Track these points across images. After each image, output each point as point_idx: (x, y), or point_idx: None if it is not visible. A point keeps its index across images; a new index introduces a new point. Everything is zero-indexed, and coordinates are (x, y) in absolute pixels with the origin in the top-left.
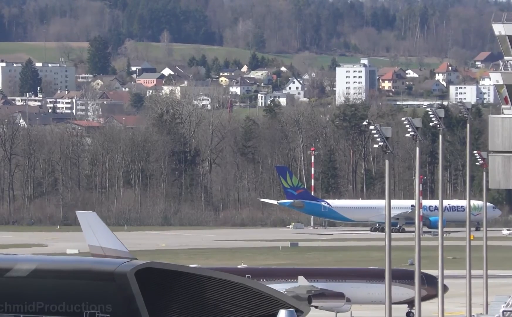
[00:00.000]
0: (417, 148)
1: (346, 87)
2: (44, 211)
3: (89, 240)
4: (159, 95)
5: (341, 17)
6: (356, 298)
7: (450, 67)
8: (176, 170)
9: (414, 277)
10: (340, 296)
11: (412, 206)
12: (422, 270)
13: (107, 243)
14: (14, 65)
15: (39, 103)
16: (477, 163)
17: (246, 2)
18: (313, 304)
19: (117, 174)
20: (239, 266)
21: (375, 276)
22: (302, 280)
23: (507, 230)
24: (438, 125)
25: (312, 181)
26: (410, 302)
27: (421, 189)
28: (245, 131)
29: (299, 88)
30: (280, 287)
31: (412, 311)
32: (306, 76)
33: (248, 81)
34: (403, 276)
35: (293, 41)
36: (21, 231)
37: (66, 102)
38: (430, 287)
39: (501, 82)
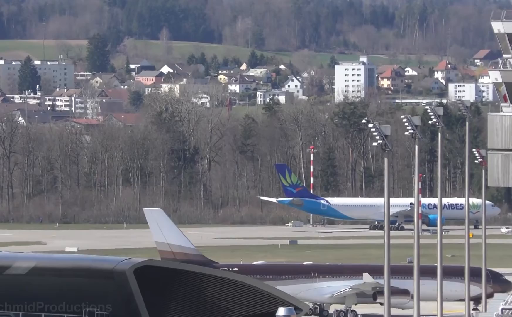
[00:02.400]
0: (416, 146)
1: (345, 85)
2: (43, 209)
3: (156, 237)
4: (158, 93)
5: (340, 15)
6: (423, 295)
7: (449, 65)
8: (175, 168)
9: (479, 274)
10: (405, 292)
11: (411, 203)
12: (488, 268)
13: (174, 240)
14: (13, 63)
15: (38, 101)
16: (476, 161)
17: (245, 0)
18: (378, 300)
19: (116, 172)
20: (305, 263)
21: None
22: (367, 277)
23: (506, 228)
24: (437, 123)
25: (311, 178)
26: (476, 299)
27: (420, 187)
28: (244, 129)
29: (298, 86)
30: (345, 284)
31: (478, 308)
32: (305, 74)
33: (247, 79)
34: (471, 273)
35: (292, 39)
36: (20, 228)
37: (65, 100)
38: (496, 284)
39: (500, 80)
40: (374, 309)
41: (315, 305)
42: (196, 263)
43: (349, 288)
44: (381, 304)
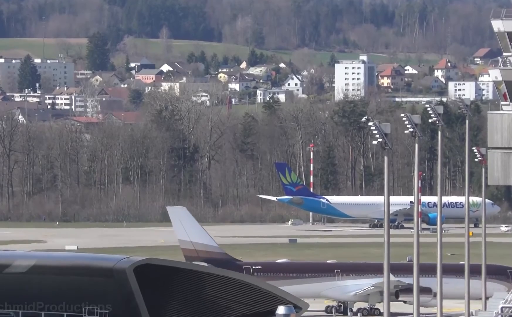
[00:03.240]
0: (416, 145)
1: (345, 84)
2: (43, 207)
3: (179, 235)
4: (158, 92)
5: (340, 14)
6: (446, 293)
7: (449, 64)
8: (175, 166)
9: (504, 273)
10: (427, 291)
11: (411, 202)
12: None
13: (197, 238)
14: (13, 61)
15: (38, 100)
16: (476, 159)
17: None
18: (400, 299)
19: (116, 170)
20: (328, 261)
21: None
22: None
23: (506, 226)
24: (437, 122)
25: (311, 177)
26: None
27: (420, 185)
28: (244, 127)
29: (298, 85)
30: (369, 282)
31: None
32: (305, 73)
33: (247, 77)
34: (496, 272)
35: (292, 37)
36: (20, 227)
37: (65, 99)
38: None
39: (500, 78)
40: (395, 308)
41: (339, 303)
42: (219, 261)
43: (371, 286)
44: (405, 302)
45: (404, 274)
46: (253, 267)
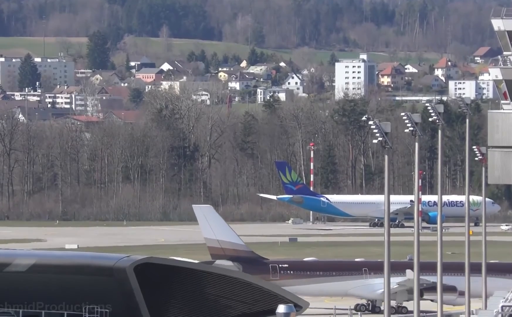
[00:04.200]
0: (416, 144)
1: (345, 83)
2: (43, 206)
3: (205, 233)
4: (158, 91)
5: (340, 13)
6: (474, 291)
7: (449, 63)
8: (175, 165)
9: None
10: (452, 289)
11: (411, 201)
12: None
13: (223, 236)
14: (13, 60)
15: (38, 99)
16: (476, 158)
17: None
18: (425, 297)
19: (116, 169)
20: (356, 260)
21: (494, 269)
22: (410, 274)
23: (506, 225)
24: (437, 121)
25: (311, 176)
26: None
27: (420, 184)
28: (244, 126)
29: (298, 84)
30: (397, 280)
31: None
32: (305, 72)
33: (247, 76)
34: None
35: (292, 36)
36: (20, 226)
37: (65, 98)
38: None
39: (500, 77)
40: (423, 306)
41: (368, 302)
42: (245, 259)
43: (396, 285)
44: (432, 301)
45: (430, 272)
46: (280, 265)
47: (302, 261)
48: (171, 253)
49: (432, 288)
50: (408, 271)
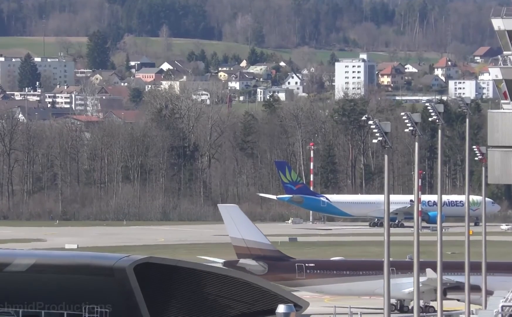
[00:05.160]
0: (416, 143)
1: (345, 82)
2: (43, 206)
3: (231, 232)
4: (158, 90)
5: (340, 12)
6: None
7: (449, 62)
8: (175, 165)
9: None
10: (476, 289)
11: (411, 201)
12: None
13: (249, 235)
14: (13, 60)
15: (38, 98)
16: (476, 158)
17: None
18: (448, 296)
19: (116, 169)
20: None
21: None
22: (430, 273)
23: (506, 225)
24: (437, 120)
25: (311, 176)
26: None
27: (420, 184)
28: (244, 126)
29: (298, 83)
30: (421, 279)
31: None
32: (305, 71)
33: (247, 76)
34: None
35: (292, 36)
36: (20, 226)
37: (65, 97)
38: None
39: (500, 77)
40: (448, 305)
41: (397, 301)
42: (272, 258)
43: (420, 284)
44: (459, 300)
45: (455, 272)
46: (306, 265)
47: (328, 261)
48: (171, 253)
49: (455, 287)
50: (428, 270)
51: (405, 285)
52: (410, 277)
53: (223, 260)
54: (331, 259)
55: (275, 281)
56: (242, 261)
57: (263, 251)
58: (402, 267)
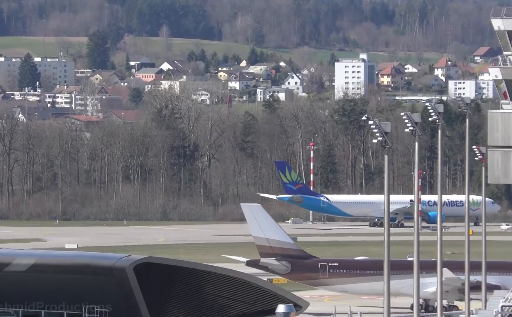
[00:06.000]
0: (416, 143)
1: (345, 82)
2: (43, 206)
3: (254, 232)
4: (158, 90)
5: (340, 12)
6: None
7: (449, 62)
8: (175, 165)
9: None
10: (497, 288)
11: (411, 200)
12: None
13: (272, 234)
14: (13, 59)
15: (38, 98)
16: (476, 158)
17: None
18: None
19: (116, 169)
20: (409, 259)
21: None
22: (447, 273)
23: (506, 224)
24: (437, 120)
25: (311, 176)
26: None
27: (420, 184)
28: (244, 126)
29: (298, 83)
30: (430, 280)
31: None
32: (305, 71)
33: (247, 76)
34: None
35: (292, 36)
36: (20, 226)
37: (65, 97)
38: None
39: (500, 77)
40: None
41: (423, 301)
42: (295, 257)
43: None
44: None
45: (473, 272)
46: (330, 264)
47: (352, 260)
48: (171, 253)
49: (475, 287)
50: (445, 270)
51: (430, 285)
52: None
53: (246, 259)
54: (355, 258)
55: (298, 281)
56: (263, 260)
57: (286, 250)
58: (427, 267)
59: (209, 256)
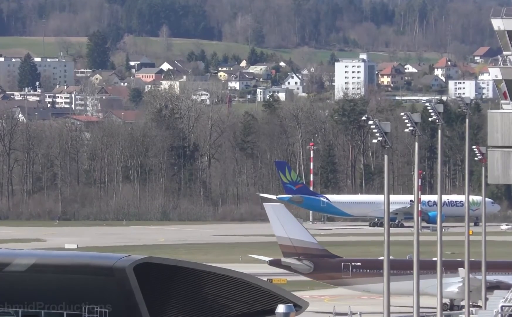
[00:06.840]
0: (416, 143)
1: (345, 82)
2: (43, 206)
3: (277, 231)
4: (158, 90)
5: (340, 12)
6: None
7: (449, 62)
8: (175, 165)
9: None
10: None
11: (411, 201)
12: None
13: (295, 234)
14: (13, 59)
15: (38, 98)
16: (476, 158)
17: None
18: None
19: (116, 169)
20: (434, 259)
21: None
22: (462, 272)
23: (506, 224)
24: (437, 120)
25: (311, 176)
26: None
27: (420, 184)
28: (244, 126)
29: (298, 83)
30: (455, 280)
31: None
32: (305, 71)
33: (247, 76)
34: None
35: (292, 36)
36: (20, 226)
37: (65, 97)
38: None
39: (500, 77)
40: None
41: (449, 300)
42: (318, 257)
43: (460, 284)
44: None
45: (492, 271)
46: (353, 264)
47: (375, 260)
48: (171, 253)
49: (494, 287)
50: (460, 270)
51: (455, 285)
52: (457, 276)
53: (269, 259)
54: (378, 258)
55: (321, 280)
56: (284, 259)
57: (309, 250)
58: (451, 267)
59: (209, 256)
